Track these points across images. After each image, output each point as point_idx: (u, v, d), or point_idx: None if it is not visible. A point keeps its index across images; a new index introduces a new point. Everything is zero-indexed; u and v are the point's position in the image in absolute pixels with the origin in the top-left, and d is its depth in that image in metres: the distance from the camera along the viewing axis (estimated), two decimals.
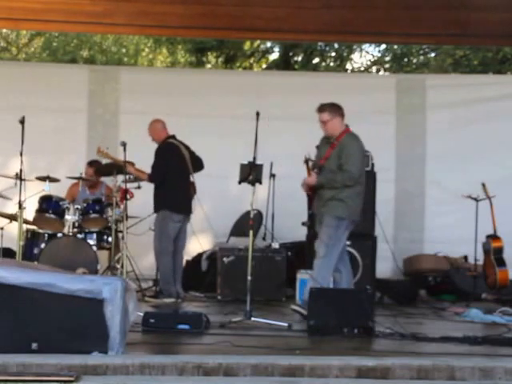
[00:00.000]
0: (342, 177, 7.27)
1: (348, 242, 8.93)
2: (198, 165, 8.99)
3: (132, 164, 8.86)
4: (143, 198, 9.02)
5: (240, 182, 7.46)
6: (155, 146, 8.87)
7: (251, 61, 19.39)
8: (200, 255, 10.04)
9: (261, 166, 7.33)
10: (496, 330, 6.90)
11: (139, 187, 9.08)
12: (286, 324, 6.94)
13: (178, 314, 6.91)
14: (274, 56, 19.48)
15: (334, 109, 7.44)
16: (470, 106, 10.93)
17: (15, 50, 20.08)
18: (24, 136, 7.69)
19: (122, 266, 8.38)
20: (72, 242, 8.99)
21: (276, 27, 10.31)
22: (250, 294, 7.09)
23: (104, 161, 9.23)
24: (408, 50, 18.51)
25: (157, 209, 8.80)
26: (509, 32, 10.05)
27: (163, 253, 8.76)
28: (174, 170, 8.71)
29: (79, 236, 9.08)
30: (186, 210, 8.84)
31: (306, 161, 7.41)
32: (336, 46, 18.81)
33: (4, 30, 19.17)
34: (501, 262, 9.19)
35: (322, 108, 7.44)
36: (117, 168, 8.87)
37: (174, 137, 8.93)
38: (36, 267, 5.95)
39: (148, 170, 8.84)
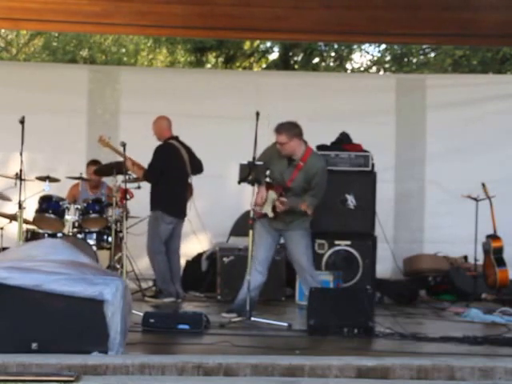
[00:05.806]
0: (310, 202, 7.24)
1: (348, 242, 9.04)
2: (197, 168, 8.96)
3: (129, 158, 8.82)
4: (143, 198, 9.01)
5: (239, 182, 7.46)
6: (155, 145, 8.87)
7: (251, 61, 19.38)
8: (200, 255, 10.04)
9: (260, 165, 7.31)
10: (496, 330, 6.90)
11: (139, 187, 9.07)
12: (285, 324, 6.95)
13: (178, 314, 6.92)
14: (274, 56, 19.47)
15: (291, 130, 7.32)
16: (470, 105, 10.92)
17: (15, 50, 20.07)
18: (24, 136, 7.69)
19: (122, 266, 8.37)
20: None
21: (275, 27, 10.29)
22: (249, 294, 7.10)
23: (105, 149, 9.13)
24: (408, 49, 18.49)
25: (151, 208, 8.82)
26: (509, 32, 10.04)
27: (156, 252, 8.77)
28: (171, 172, 8.69)
29: (79, 236, 9.08)
30: (179, 213, 8.82)
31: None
32: (336, 45, 18.80)
33: (3, 30, 19.16)
34: (501, 262, 9.20)
35: (278, 130, 7.33)
36: (117, 168, 8.85)
37: (176, 138, 8.91)
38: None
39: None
